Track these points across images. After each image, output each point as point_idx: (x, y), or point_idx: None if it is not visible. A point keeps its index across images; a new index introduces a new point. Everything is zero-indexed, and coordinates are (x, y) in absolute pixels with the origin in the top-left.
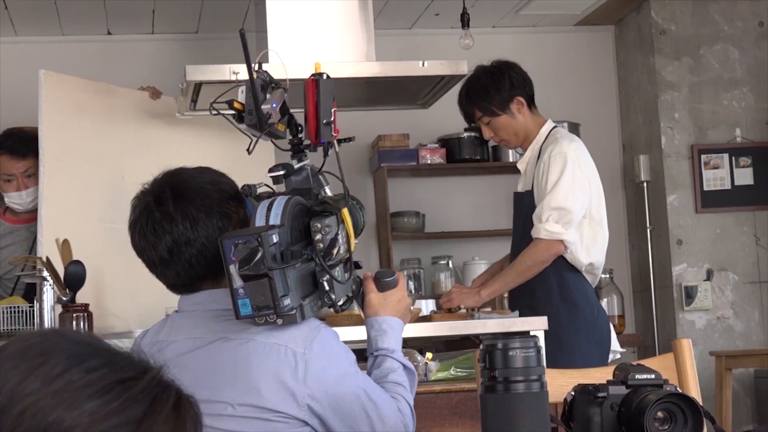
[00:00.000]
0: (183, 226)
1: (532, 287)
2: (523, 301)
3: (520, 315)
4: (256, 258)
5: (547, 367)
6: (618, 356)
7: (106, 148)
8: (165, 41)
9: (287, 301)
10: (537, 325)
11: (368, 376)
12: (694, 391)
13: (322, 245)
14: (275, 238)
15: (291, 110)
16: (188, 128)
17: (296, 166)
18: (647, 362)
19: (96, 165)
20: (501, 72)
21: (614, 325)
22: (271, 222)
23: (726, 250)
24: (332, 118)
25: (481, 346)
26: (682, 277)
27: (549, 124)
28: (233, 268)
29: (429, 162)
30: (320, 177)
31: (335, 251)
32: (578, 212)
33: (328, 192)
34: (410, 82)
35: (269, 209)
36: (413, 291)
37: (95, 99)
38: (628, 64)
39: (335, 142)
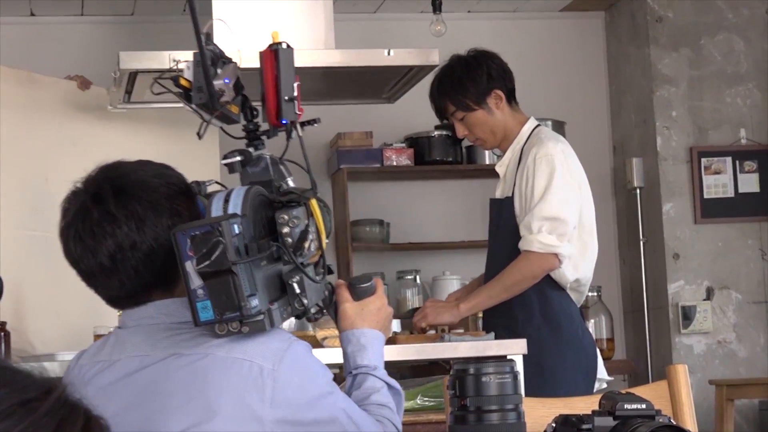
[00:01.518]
0: (127, 226)
1: (510, 306)
2: (500, 321)
3: (496, 337)
4: (218, 251)
5: (526, 395)
6: (605, 385)
7: (26, 145)
8: (96, 24)
9: (255, 302)
10: (515, 349)
11: (349, 398)
12: (690, 423)
13: (290, 239)
14: (237, 229)
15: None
16: (122, 123)
17: (254, 154)
18: (637, 390)
19: (15, 165)
20: (478, 62)
21: (602, 350)
22: (230, 213)
23: (728, 266)
24: (295, 94)
25: (450, 371)
26: (678, 296)
27: (531, 123)
28: (190, 265)
29: (395, 164)
30: (281, 167)
31: (307, 245)
32: (572, 222)
33: (291, 184)
34: (374, 73)
35: (226, 201)
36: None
37: (15, 89)
38: (619, 55)
39: (298, 125)
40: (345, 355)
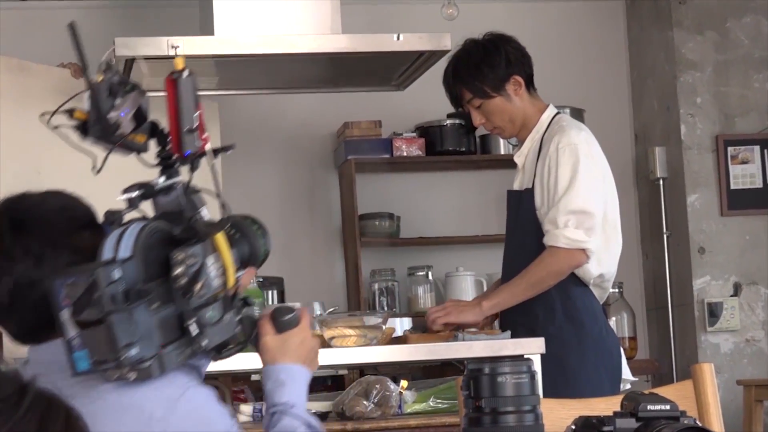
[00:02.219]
0: (24, 264)
1: (530, 304)
2: (519, 319)
3: (514, 336)
4: (92, 300)
5: (548, 396)
6: (629, 386)
7: (17, 136)
8: (90, 9)
9: (134, 351)
10: (532, 348)
11: None
12: (717, 425)
13: (184, 279)
14: (117, 274)
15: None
16: None
17: (164, 183)
18: (661, 391)
19: (5, 157)
20: (496, 46)
21: (624, 349)
22: (121, 254)
23: (757, 261)
24: (196, 125)
25: (464, 372)
26: (704, 293)
27: (551, 110)
28: (66, 314)
29: (405, 154)
30: (195, 197)
31: (197, 287)
32: (599, 215)
33: (205, 213)
34: (383, 58)
35: (120, 239)
36: (385, 307)
37: (5, 77)
38: (641, 39)
39: (211, 152)
40: (264, 392)
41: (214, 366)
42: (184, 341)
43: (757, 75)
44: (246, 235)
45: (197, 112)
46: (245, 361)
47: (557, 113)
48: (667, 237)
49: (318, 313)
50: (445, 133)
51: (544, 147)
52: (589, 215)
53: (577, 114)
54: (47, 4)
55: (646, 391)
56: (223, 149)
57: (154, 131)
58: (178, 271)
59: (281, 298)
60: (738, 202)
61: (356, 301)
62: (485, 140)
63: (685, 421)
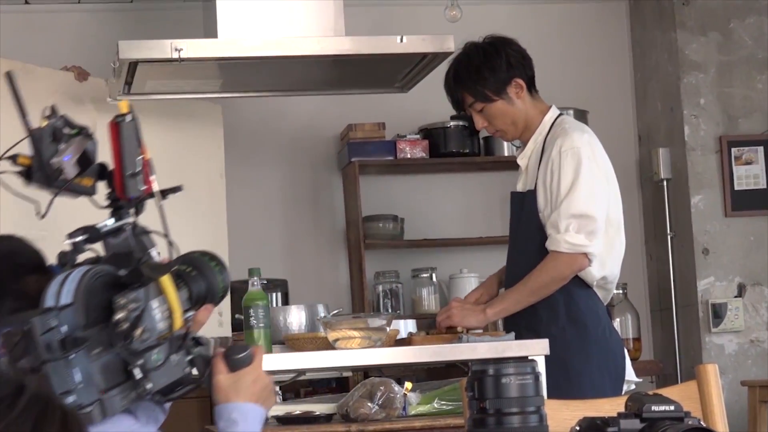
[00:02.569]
0: None
1: (534, 306)
2: (522, 321)
3: (518, 337)
4: (28, 349)
5: (552, 398)
6: (633, 387)
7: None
8: (94, 12)
9: (71, 399)
10: (537, 350)
11: None
12: (721, 426)
13: (124, 325)
14: (53, 322)
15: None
16: None
17: (112, 226)
18: (666, 391)
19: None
20: (496, 49)
21: (628, 350)
22: (63, 300)
23: (761, 261)
24: (138, 169)
25: (469, 373)
26: (708, 294)
27: (553, 112)
28: (3, 363)
29: (409, 156)
30: (144, 238)
31: (138, 332)
32: (601, 219)
33: (155, 254)
34: (386, 61)
35: (62, 284)
36: (389, 309)
37: None
38: (644, 40)
39: (159, 193)
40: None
41: None
42: (128, 385)
43: (760, 76)
44: (203, 272)
45: (140, 156)
46: None
47: (560, 114)
48: (671, 238)
49: (322, 315)
50: (449, 135)
51: (547, 149)
52: (591, 219)
53: (581, 115)
54: (50, 8)
55: (651, 392)
56: (171, 190)
57: (103, 174)
58: (120, 316)
59: (285, 300)
60: (742, 203)
61: (360, 303)
62: (489, 142)
63: (690, 422)
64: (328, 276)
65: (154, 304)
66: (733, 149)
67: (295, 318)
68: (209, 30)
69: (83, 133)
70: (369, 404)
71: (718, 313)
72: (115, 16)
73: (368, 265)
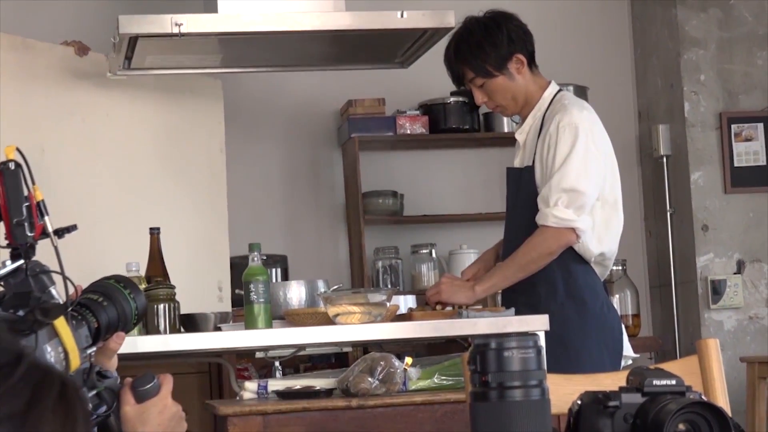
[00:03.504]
0: None
1: (532, 282)
2: (521, 298)
3: (517, 314)
4: None
5: (550, 370)
6: (630, 362)
7: (21, 114)
8: None
9: None
10: (537, 325)
11: None
12: (722, 400)
13: None
14: None
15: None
16: (121, 91)
17: (8, 269)
18: (667, 366)
19: (8, 135)
20: (498, 24)
21: (627, 327)
22: None
23: (760, 238)
24: (24, 216)
25: (471, 347)
26: (708, 270)
27: (553, 87)
28: None
29: (408, 132)
30: (44, 277)
31: None
32: (592, 194)
33: (55, 293)
34: (386, 36)
35: None
36: (389, 285)
37: (8, 55)
38: (645, 16)
39: (53, 234)
40: None
41: (218, 343)
42: None
43: (761, 52)
44: (114, 300)
45: (26, 203)
46: (249, 338)
47: (559, 90)
48: (671, 215)
49: (322, 290)
50: (449, 111)
51: (546, 125)
52: (580, 194)
53: (581, 92)
54: None
55: (652, 366)
56: (66, 229)
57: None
58: None
59: (285, 276)
60: (742, 179)
61: (360, 279)
62: (489, 118)
63: (691, 396)
64: (328, 252)
65: (48, 348)
66: (733, 126)
67: (295, 293)
68: (209, 5)
69: None
70: (369, 379)
71: (717, 289)
72: None
73: (368, 241)
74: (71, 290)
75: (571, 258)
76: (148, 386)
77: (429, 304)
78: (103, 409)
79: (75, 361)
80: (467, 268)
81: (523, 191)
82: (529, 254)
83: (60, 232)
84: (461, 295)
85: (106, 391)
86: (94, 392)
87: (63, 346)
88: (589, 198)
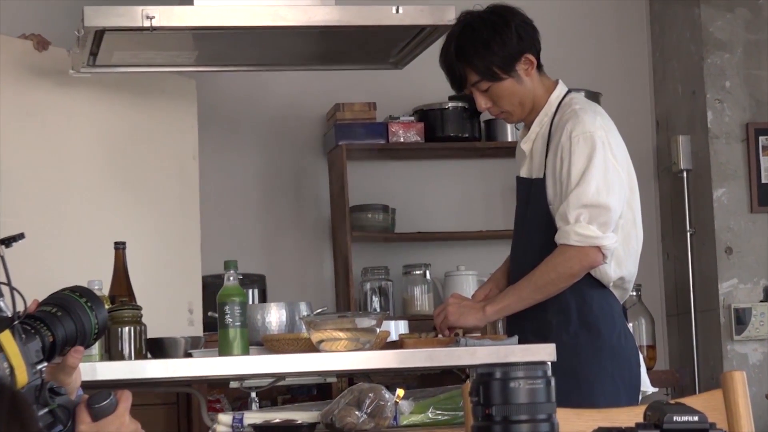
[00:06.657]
0: None
1: (543, 308)
2: (528, 325)
3: (522, 341)
4: None
5: (560, 406)
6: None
7: None
8: None
9: None
10: (542, 355)
11: None
12: None
13: None
14: None
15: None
16: (85, 89)
17: None
18: (688, 401)
19: None
20: (505, 21)
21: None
22: None
23: None
24: None
25: (472, 376)
26: (731, 297)
27: (560, 89)
28: None
29: (402, 140)
30: None
31: None
32: (616, 210)
33: (3, 306)
34: (379, 33)
35: None
36: (378, 309)
37: None
38: (665, 16)
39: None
40: None
41: (188, 371)
42: None
43: None
44: (71, 312)
45: None
46: (223, 366)
47: (568, 92)
48: (691, 235)
49: (305, 314)
50: (447, 117)
51: (555, 133)
52: (605, 209)
53: (593, 98)
54: None
55: (672, 401)
56: (12, 238)
57: None
58: None
59: (263, 297)
60: None
61: (346, 302)
62: (491, 125)
63: None
64: (311, 271)
65: None
66: (760, 137)
67: (275, 317)
68: None
69: None
70: (357, 413)
71: (741, 318)
72: None
73: (355, 260)
74: (20, 302)
75: (587, 282)
76: (104, 403)
77: (437, 330)
78: (59, 428)
79: (22, 377)
80: (478, 290)
81: (533, 206)
82: (548, 274)
83: (7, 241)
84: (471, 317)
85: (59, 408)
86: (46, 410)
87: (8, 361)
88: (614, 213)
